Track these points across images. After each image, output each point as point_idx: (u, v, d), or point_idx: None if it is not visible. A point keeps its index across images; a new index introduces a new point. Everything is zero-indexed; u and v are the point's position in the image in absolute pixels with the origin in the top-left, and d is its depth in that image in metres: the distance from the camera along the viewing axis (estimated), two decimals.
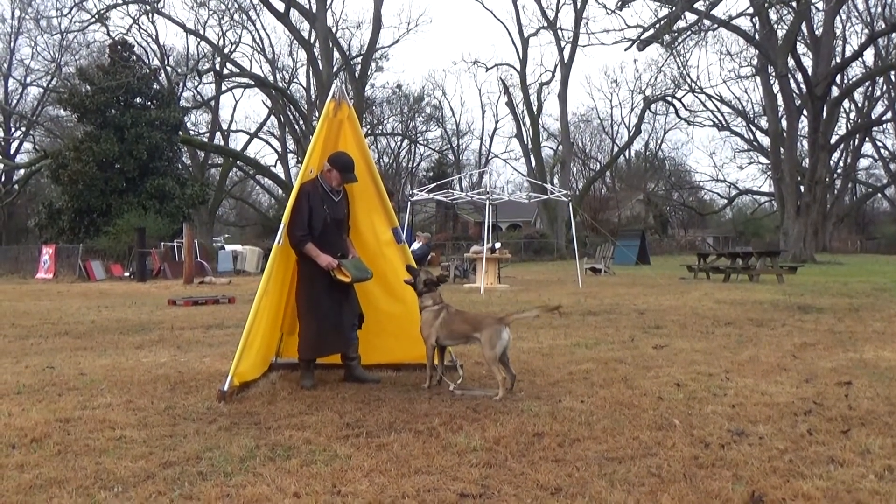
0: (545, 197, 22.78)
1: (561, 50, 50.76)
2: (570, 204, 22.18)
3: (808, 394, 5.62)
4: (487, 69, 63.23)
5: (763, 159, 63.03)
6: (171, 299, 15.08)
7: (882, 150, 64.87)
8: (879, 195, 71.86)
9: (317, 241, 5.90)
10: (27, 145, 55.48)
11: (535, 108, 55.96)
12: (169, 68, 49.23)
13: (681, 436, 4.48)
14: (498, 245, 20.19)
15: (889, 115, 58.02)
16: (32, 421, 4.85)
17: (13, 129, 55.47)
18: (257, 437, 4.47)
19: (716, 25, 37.49)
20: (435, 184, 20.94)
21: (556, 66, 54.36)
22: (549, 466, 3.92)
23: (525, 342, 8.47)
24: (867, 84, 51.99)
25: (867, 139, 61.46)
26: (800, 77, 41.44)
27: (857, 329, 9.52)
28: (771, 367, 6.76)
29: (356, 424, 4.78)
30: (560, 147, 58.71)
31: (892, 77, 53.92)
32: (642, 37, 36.28)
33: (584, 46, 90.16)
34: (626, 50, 48.48)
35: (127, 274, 27.85)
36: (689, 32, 36.75)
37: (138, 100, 36.34)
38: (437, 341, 5.98)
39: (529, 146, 55.12)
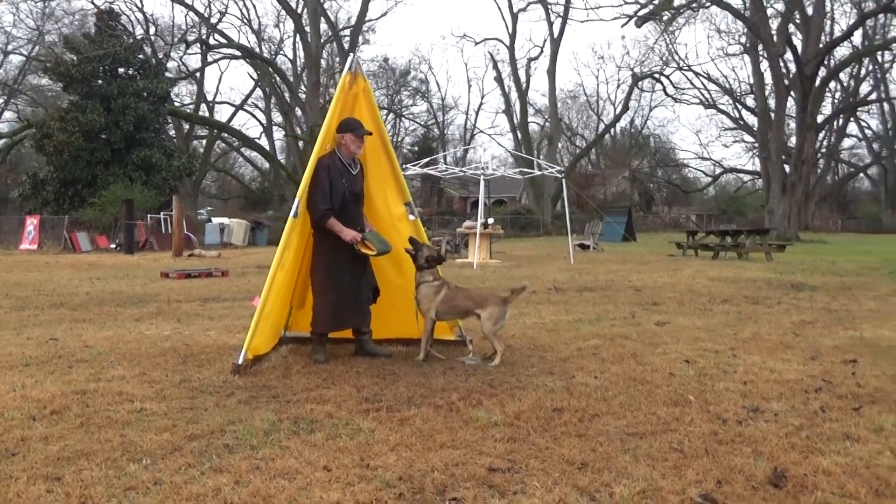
0: (538, 173, 22.73)
1: (551, 25, 50.60)
2: (565, 181, 22.17)
3: (816, 371, 5.70)
4: (476, 44, 63.37)
5: (748, 138, 63.43)
6: (164, 272, 15.01)
7: (866, 131, 65.40)
8: (861, 175, 72.46)
9: (337, 215, 5.88)
10: (8, 114, 54.83)
11: (523, 84, 55.84)
12: (156, 38, 48.66)
13: (697, 412, 4.54)
14: (491, 220, 20.21)
15: (874, 95, 58.45)
16: (48, 393, 4.83)
17: None
18: (278, 411, 4.47)
19: (708, 3, 37.47)
20: (427, 158, 20.84)
21: (545, 41, 54.30)
22: (572, 441, 3.96)
23: (528, 318, 8.53)
24: (853, 64, 52.15)
25: (852, 119, 61.87)
26: (788, 56, 41.53)
27: (853, 307, 9.63)
28: (775, 345, 6.84)
29: (375, 399, 4.80)
30: (547, 123, 58.66)
31: (879, 58, 54.26)
32: (639, 13, 36.21)
33: (582, 22, 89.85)
34: (622, 26, 48.53)
35: (113, 246, 27.71)
36: (686, 9, 36.71)
37: (122, 70, 35.89)
38: (435, 315, 6.10)
39: (517, 122, 55.02)
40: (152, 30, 49.02)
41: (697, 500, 3.25)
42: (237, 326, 7.94)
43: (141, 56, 38.14)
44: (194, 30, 50.27)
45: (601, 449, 3.84)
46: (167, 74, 42.67)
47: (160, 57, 43.64)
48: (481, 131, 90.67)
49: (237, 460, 3.63)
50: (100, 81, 34.52)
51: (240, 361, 5.41)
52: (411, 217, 6.42)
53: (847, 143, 68.26)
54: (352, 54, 6.22)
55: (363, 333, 6.22)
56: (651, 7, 35.72)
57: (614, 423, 4.31)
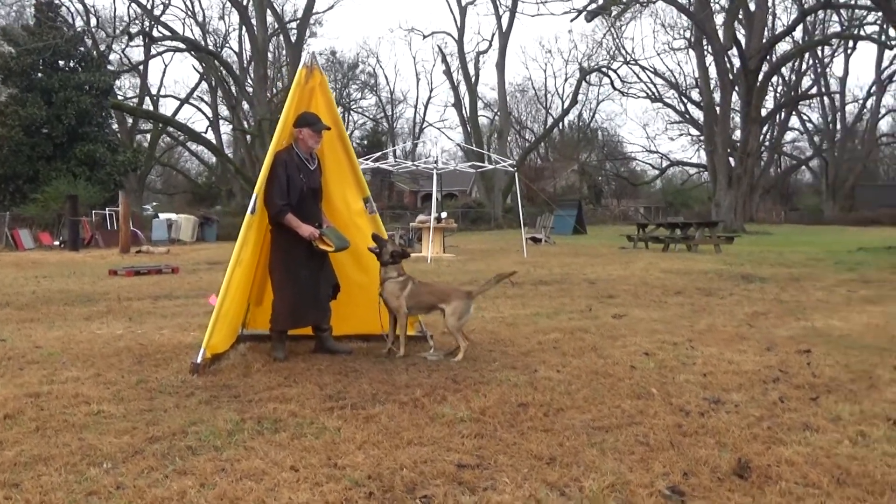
0: (491, 167, 22.78)
1: (499, 19, 50.72)
2: (518, 174, 22.22)
3: (773, 362, 5.80)
4: (424, 37, 63.12)
5: (693, 131, 64.38)
6: (112, 269, 14.70)
7: (808, 124, 66.91)
8: (802, 167, 74.11)
9: (294, 210, 5.80)
10: None
11: (472, 78, 55.88)
12: (99, 30, 47.52)
13: (660, 404, 4.58)
14: (444, 214, 20.18)
15: (814, 89, 59.82)
16: (0, 396, 4.69)
17: None
18: (240, 411, 4.40)
19: None
20: (380, 153, 20.73)
21: (493, 35, 54.40)
22: (539, 436, 3.96)
23: (486, 312, 8.53)
24: (794, 59, 53.26)
25: (793, 113, 63.19)
26: (732, 51, 42.19)
27: (802, 298, 9.83)
28: (731, 336, 6.94)
29: (338, 396, 4.75)
30: (497, 116, 58.82)
31: (819, 53, 55.53)
32: (589, 7, 36.50)
33: (533, 16, 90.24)
34: (572, 20, 49.18)
35: (57, 243, 27.05)
36: (634, 3, 37.10)
37: (63, 62, 35.03)
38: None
39: (467, 116, 55.09)
40: (93, 21, 47.87)
41: (665, 493, 3.27)
42: (192, 324, 7.80)
43: (82, 48, 37.25)
44: (137, 22, 49.22)
45: (568, 443, 3.85)
46: (109, 67, 41.79)
47: (102, 49, 42.64)
48: (430, 125, 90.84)
49: (201, 462, 3.56)
50: (40, 74, 33.68)
51: (198, 360, 5.31)
52: (370, 213, 6.37)
53: (789, 136, 69.81)
54: (307, 48, 6.17)
55: (323, 330, 6.14)
56: (601, 1, 36.02)
57: (579, 417, 4.33)
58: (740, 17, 42.71)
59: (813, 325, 7.58)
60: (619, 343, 6.59)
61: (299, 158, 5.88)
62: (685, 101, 62.76)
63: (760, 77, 40.86)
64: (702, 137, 56.42)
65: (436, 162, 19.65)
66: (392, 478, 3.38)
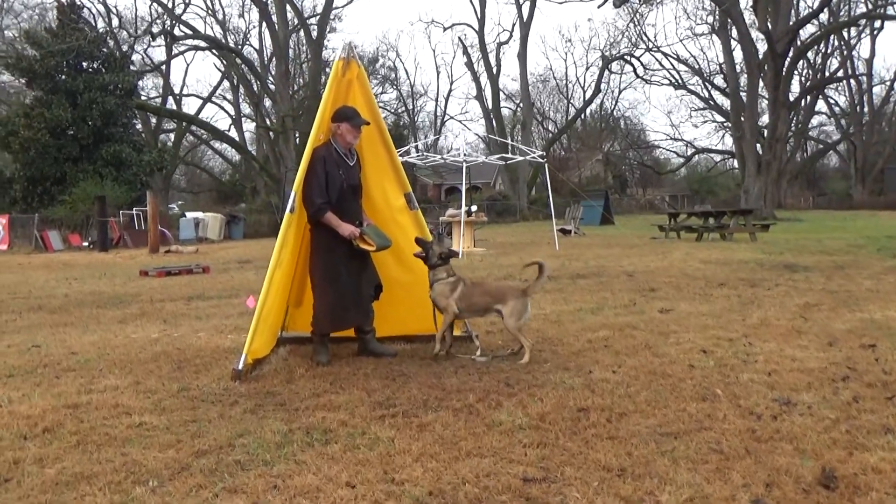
0: (520, 158, 22.50)
1: (520, 7, 50.30)
2: (547, 165, 21.90)
3: (838, 358, 5.51)
4: (445, 29, 62.74)
5: (718, 117, 63.58)
6: (143, 270, 14.62)
7: (834, 108, 65.85)
8: (829, 152, 72.99)
9: (334, 208, 5.59)
10: None
11: (494, 69, 55.48)
12: (121, 30, 47.67)
13: (728, 407, 4.32)
14: (474, 208, 19.91)
15: (841, 73, 58.84)
16: (38, 408, 4.51)
17: None
18: (288, 420, 4.20)
19: None
20: (404, 148, 20.46)
21: (513, 25, 53.99)
22: (604, 445, 3.73)
23: None
24: (820, 41, 52.36)
25: (820, 97, 62.21)
26: (756, 35, 41.51)
27: (851, 288, 9.49)
28: (787, 331, 6.65)
29: (388, 403, 4.54)
30: (520, 107, 58.42)
31: (845, 34, 54.57)
32: None
33: (561, 3, 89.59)
34: (599, 7, 48.57)
35: (86, 244, 27.14)
36: None
37: (87, 64, 35.16)
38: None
39: (489, 107, 54.74)
40: (115, 22, 47.99)
41: None
42: (228, 326, 7.63)
43: (105, 49, 37.35)
44: (158, 21, 49.28)
45: (637, 452, 3.62)
46: (132, 68, 41.91)
47: (125, 50, 42.75)
48: (452, 118, 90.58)
49: (252, 478, 3.36)
50: (64, 76, 33.81)
51: (240, 366, 5.12)
52: (411, 209, 6.14)
53: (815, 121, 68.73)
54: (343, 41, 5.91)
55: (366, 332, 5.93)
56: None
57: (644, 422, 4.08)
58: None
59: (871, 317, 7.24)
60: (671, 340, 6.32)
61: (338, 154, 5.67)
62: (709, 87, 62.01)
63: (787, 61, 40.17)
64: (726, 124, 55.79)
65: (465, 155, 19.38)
66: (455, 494, 3.17)
